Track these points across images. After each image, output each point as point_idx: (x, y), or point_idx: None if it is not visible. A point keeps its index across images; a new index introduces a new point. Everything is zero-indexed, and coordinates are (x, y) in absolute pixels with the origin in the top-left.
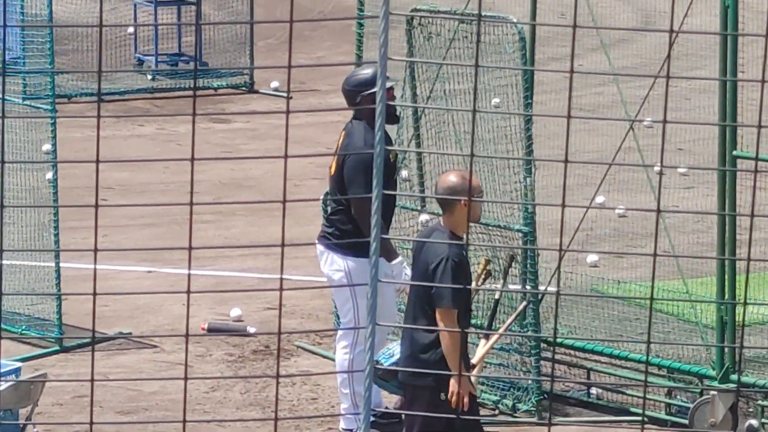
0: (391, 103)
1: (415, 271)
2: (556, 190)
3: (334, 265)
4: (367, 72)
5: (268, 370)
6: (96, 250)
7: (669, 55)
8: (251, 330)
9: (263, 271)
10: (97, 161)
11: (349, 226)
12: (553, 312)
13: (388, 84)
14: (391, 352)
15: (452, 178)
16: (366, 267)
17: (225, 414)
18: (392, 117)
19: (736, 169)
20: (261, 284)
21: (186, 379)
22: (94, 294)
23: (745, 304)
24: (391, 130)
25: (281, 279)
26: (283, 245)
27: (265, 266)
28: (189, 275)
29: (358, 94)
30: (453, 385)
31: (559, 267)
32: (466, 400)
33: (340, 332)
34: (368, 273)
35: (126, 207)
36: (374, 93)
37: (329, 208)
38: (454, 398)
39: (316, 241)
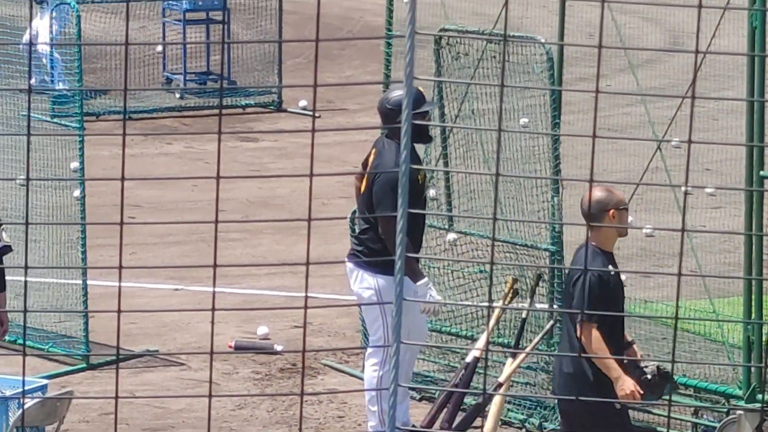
0: (423, 122)
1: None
2: None
3: (364, 282)
4: (399, 97)
5: (294, 388)
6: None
7: (695, 76)
8: (278, 348)
9: (290, 290)
10: (123, 179)
11: (379, 245)
12: None
13: (428, 107)
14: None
15: (597, 193)
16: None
17: None
18: (426, 137)
19: (763, 189)
20: (288, 302)
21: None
22: (119, 311)
23: (763, 323)
24: (420, 149)
25: (306, 297)
26: (308, 263)
27: (292, 284)
28: (213, 293)
29: (398, 114)
30: (620, 390)
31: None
32: (637, 392)
33: (369, 350)
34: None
35: (154, 225)
36: (418, 113)
37: (357, 227)
38: (632, 397)
39: (346, 259)
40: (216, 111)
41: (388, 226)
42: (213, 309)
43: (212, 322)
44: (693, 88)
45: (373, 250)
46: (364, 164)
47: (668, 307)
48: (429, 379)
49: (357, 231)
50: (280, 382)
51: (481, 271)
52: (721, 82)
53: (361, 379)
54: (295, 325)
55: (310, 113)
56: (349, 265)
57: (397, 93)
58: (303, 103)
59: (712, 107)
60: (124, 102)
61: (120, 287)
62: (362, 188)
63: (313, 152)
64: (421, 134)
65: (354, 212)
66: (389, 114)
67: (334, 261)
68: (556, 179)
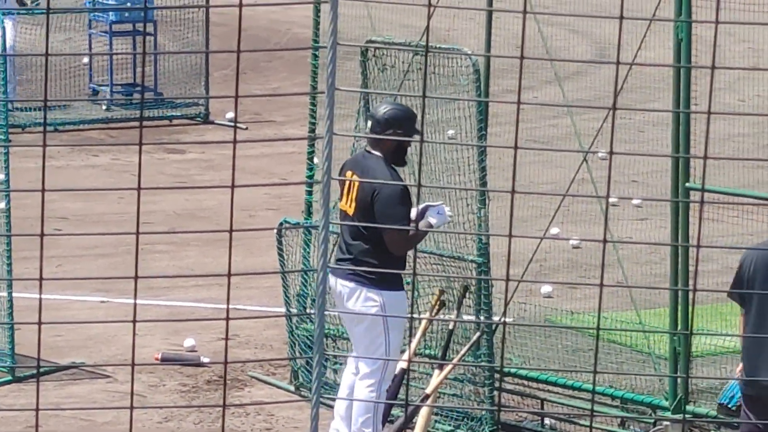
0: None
1: None
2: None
3: (369, 301)
4: (404, 111)
5: (221, 400)
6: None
7: (616, 87)
8: (204, 360)
9: (217, 302)
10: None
11: (382, 260)
12: (508, 342)
13: (415, 133)
14: (731, 393)
15: None
16: (400, 299)
17: None
18: (402, 160)
19: (689, 200)
20: (215, 314)
21: (132, 408)
22: (39, 323)
23: (691, 334)
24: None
25: (227, 308)
26: (229, 275)
27: (219, 296)
28: (135, 305)
29: (389, 128)
30: None
31: (506, 297)
32: None
33: (364, 369)
34: (402, 305)
35: (80, 237)
36: (405, 134)
37: (344, 249)
38: None
39: (341, 281)
40: (144, 123)
41: (397, 237)
42: (134, 321)
43: (134, 334)
44: (615, 100)
45: (376, 266)
46: (342, 185)
47: (594, 318)
48: None
49: (348, 252)
50: (207, 394)
51: (407, 283)
52: (648, 94)
53: (289, 391)
54: (221, 337)
55: (238, 125)
56: (349, 284)
57: (394, 109)
58: (230, 114)
59: (639, 119)
60: (44, 113)
61: (41, 299)
62: (351, 210)
63: (234, 163)
64: (401, 157)
65: (281, 224)
66: (382, 124)
67: (257, 272)
68: (483, 191)
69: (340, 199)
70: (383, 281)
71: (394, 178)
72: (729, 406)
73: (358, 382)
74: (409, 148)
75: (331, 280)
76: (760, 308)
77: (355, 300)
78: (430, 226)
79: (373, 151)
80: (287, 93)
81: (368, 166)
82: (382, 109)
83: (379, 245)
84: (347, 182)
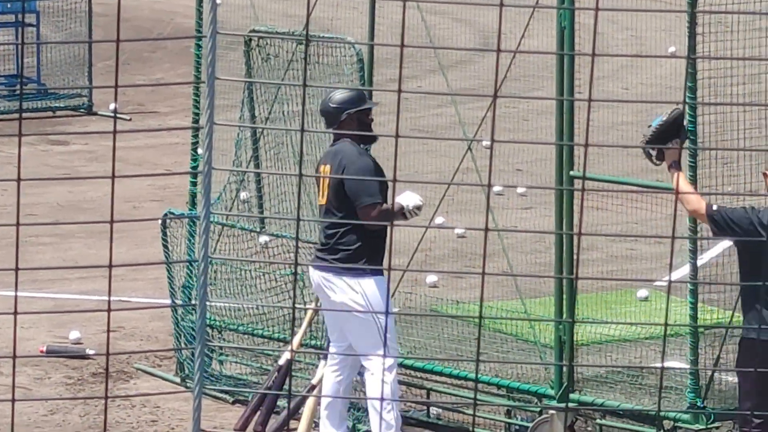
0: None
1: None
2: None
3: (350, 292)
4: (350, 92)
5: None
6: None
7: (497, 75)
8: (90, 352)
9: (102, 293)
10: None
11: (359, 246)
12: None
13: (370, 105)
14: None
15: None
16: (381, 285)
17: None
18: (372, 137)
19: (568, 188)
20: (100, 306)
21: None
22: None
23: (575, 322)
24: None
25: (109, 300)
26: (111, 266)
27: (103, 288)
28: (15, 297)
29: (343, 112)
30: None
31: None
32: None
33: (367, 363)
34: (384, 291)
35: None
36: (362, 111)
37: (326, 239)
38: None
39: (321, 274)
40: (26, 114)
41: (372, 211)
42: (15, 312)
43: (14, 325)
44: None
45: (353, 252)
46: (318, 182)
47: (479, 308)
48: (242, 382)
49: (325, 244)
50: (92, 386)
51: (292, 273)
52: (532, 82)
53: (174, 383)
54: (106, 329)
55: (122, 116)
56: (325, 275)
57: (341, 92)
58: (114, 106)
59: (523, 108)
60: None
61: None
62: (324, 200)
63: (114, 154)
64: (368, 136)
65: (166, 214)
66: (334, 113)
67: (141, 263)
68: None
69: (318, 196)
70: (362, 268)
71: (362, 155)
72: (653, 125)
73: (367, 378)
74: (372, 123)
75: (314, 275)
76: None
77: (335, 292)
78: (401, 206)
79: (339, 141)
80: (170, 83)
81: (338, 151)
82: (327, 99)
83: (355, 231)
84: (322, 177)
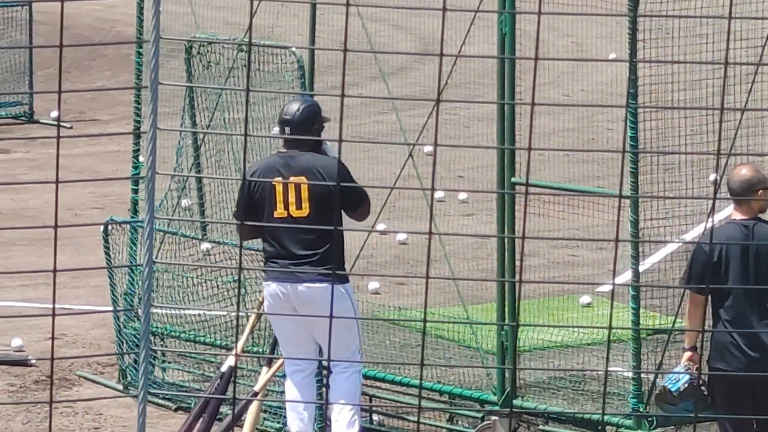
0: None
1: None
2: None
3: (343, 300)
4: (312, 101)
5: (49, 399)
6: None
7: (440, 79)
8: (32, 360)
9: (44, 301)
10: None
11: (341, 254)
12: None
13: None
14: (676, 377)
15: (744, 172)
16: (351, 290)
17: None
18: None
19: (511, 192)
20: (41, 314)
21: None
22: None
23: (518, 325)
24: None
25: (53, 306)
26: (55, 270)
27: (46, 296)
28: None
29: (320, 122)
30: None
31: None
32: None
33: (341, 364)
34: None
35: None
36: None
37: (310, 249)
38: None
39: (307, 285)
40: None
41: (366, 205)
42: None
43: None
44: (438, 92)
45: (340, 261)
46: (271, 194)
47: (421, 314)
48: (184, 388)
49: (309, 255)
50: (35, 393)
51: (235, 280)
52: (473, 89)
53: (117, 390)
54: (49, 337)
55: (63, 124)
56: (320, 285)
57: (306, 104)
58: (55, 113)
59: (464, 115)
60: None
61: None
62: (306, 212)
63: (58, 161)
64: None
65: (108, 221)
66: (305, 125)
67: (84, 268)
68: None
69: (275, 208)
70: (344, 275)
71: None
72: (672, 390)
73: (339, 376)
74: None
75: (287, 287)
76: (742, 284)
77: (330, 300)
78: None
79: (303, 151)
80: (111, 88)
81: (310, 162)
82: (294, 109)
83: (340, 239)
84: (280, 189)
